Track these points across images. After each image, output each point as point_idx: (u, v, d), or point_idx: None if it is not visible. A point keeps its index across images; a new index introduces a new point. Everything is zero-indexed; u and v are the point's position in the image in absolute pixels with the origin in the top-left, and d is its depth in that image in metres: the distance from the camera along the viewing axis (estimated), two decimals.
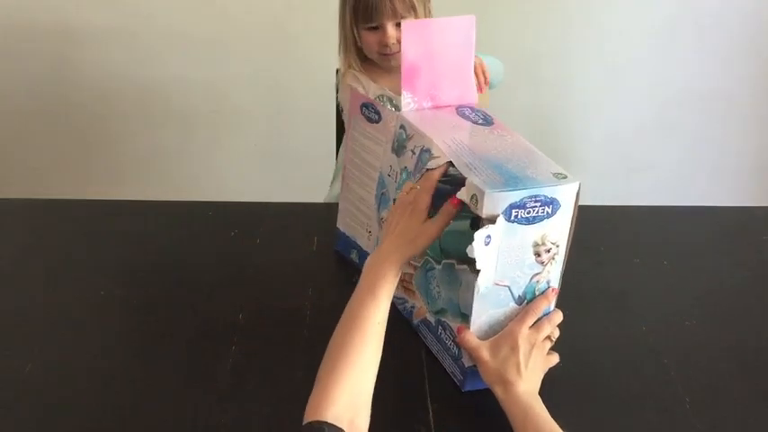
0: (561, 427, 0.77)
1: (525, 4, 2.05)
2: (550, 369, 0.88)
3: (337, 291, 1.08)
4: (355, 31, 1.36)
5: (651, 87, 2.18)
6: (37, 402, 0.88)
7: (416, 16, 1.31)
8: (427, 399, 0.89)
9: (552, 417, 0.79)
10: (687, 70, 2.16)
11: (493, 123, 0.95)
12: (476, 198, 0.78)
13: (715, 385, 0.93)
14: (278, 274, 1.13)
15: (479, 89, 1.23)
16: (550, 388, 0.87)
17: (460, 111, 0.99)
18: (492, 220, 0.77)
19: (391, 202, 0.99)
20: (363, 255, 1.10)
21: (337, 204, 1.15)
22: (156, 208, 1.33)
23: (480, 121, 0.96)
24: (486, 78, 1.31)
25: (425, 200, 0.83)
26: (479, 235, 0.76)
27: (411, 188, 0.85)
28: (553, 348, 0.88)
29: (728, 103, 2.22)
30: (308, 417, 0.69)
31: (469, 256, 0.78)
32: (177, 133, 2.19)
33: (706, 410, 0.88)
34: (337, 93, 1.51)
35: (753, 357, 0.98)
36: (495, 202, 0.77)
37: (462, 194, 0.80)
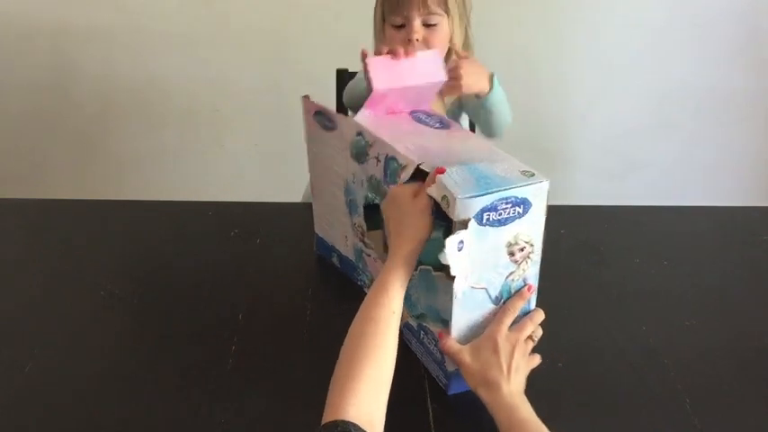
0: (551, 428, 0.76)
1: (523, 3, 2.05)
2: (551, 368, 0.88)
3: (338, 290, 1.09)
4: (381, 31, 1.27)
5: (650, 87, 2.18)
6: (37, 402, 0.88)
7: (448, 17, 1.21)
8: (427, 399, 0.89)
9: (552, 417, 0.78)
10: (685, 69, 2.16)
11: (450, 127, 0.95)
12: (447, 200, 0.77)
13: (715, 385, 0.93)
14: (278, 274, 1.13)
15: (450, 91, 1.09)
16: (550, 387, 0.87)
17: (415, 116, 0.99)
18: (464, 225, 0.77)
19: (360, 209, 0.99)
20: (344, 259, 1.09)
21: None
22: (156, 208, 1.33)
23: (437, 125, 0.95)
24: (457, 77, 1.08)
25: (407, 193, 0.83)
26: (451, 241, 0.76)
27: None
28: (550, 347, 0.88)
29: (727, 103, 2.22)
30: (328, 416, 0.67)
31: (442, 262, 0.77)
32: (177, 133, 2.19)
33: (706, 410, 0.88)
34: (339, 94, 1.45)
35: (753, 357, 0.98)
36: (466, 207, 0.76)
37: (432, 191, 0.79)
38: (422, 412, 0.87)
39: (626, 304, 1.08)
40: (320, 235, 1.15)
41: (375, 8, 1.28)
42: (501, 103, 1.20)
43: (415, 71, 0.98)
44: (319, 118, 1.02)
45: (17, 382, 0.90)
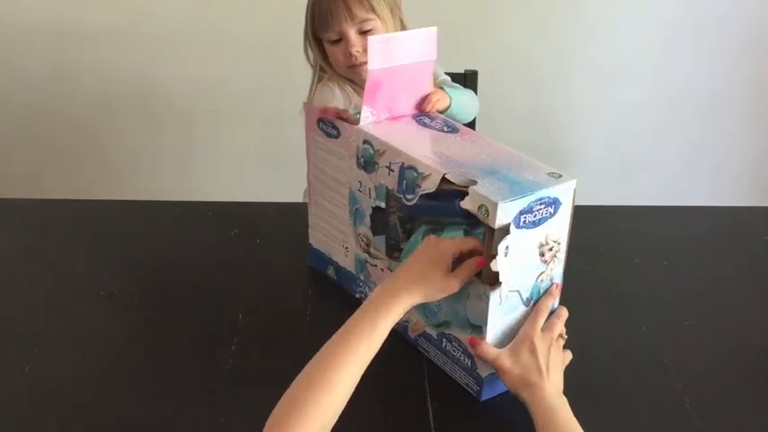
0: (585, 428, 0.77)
1: (526, 4, 2.05)
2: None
3: (338, 291, 1.09)
4: (318, 49, 1.28)
5: (651, 87, 2.18)
6: (37, 402, 0.88)
7: (380, 19, 1.22)
8: (427, 399, 0.89)
9: None
10: (687, 70, 2.16)
11: (458, 130, 0.95)
12: (485, 209, 0.77)
13: (715, 385, 0.93)
14: (278, 274, 1.13)
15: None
16: None
17: (419, 120, 0.98)
18: (506, 230, 0.77)
19: (367, 218, 0.98)
20: (341, 271, 1.08)
21: None
22: (155, 208, 1.33)
23: (445, 129, 0.95)
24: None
25: (452, 253, 0.81)
26: (501, 247, 0.77)
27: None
28: None
29: (728, 104, 2.22)
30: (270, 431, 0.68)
31: (494, 270, 0.78)
32: (177, 133, 2.19)
33: (706, 410, 0.88)
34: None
35: (752, 357, 0.98)
36: (506, 212, 0.77)
37: (467, 203, 0.79)
38: (422, 412, 0.87)
39: (626, 304, 1.08)
40: (315, 246, 1.13)
41: (305, 30, 1.27)
42: (459, 110, 1.18)
43: (409, 51, 0.96)
44: (322, 125, 1.01)
45: (17, 382, 0.90)
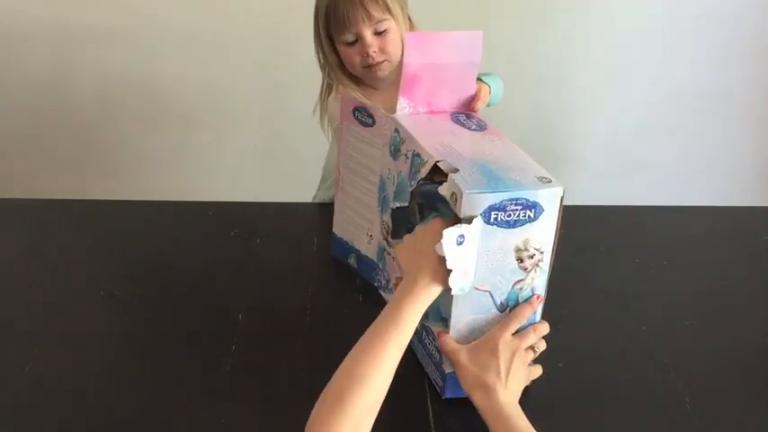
0: (551, 428, 0.76)
1: (525, 4, 2.05)
2: (552, 369, 0.88)
3: (337, 291, 1.09)
4: (332, 50, 1.26)
5: (651, 87, 2.18)
6: (37, 402, 0.88)
7: (393, 17, 1.22)
8: (427, 399, 0.89)
9: (551, 417, 0.79)
10: (687, 70, 2.16)
11: (486, 129, 0.95)
12: (455, 196, 0.77)
13: (715, 385, 0.93)
14: (278, 274, 1.13)
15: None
16: (551, 388, 0.87)
17: (455, 117, 0.99)
18: (468, 221, 0.76)
19: (390, 205, 0.98)
20: (362, 259, 1.09)
21: (333, 204, 1.14)
22: (155, 208, 1.33)
23: (474, 127, 0.96)
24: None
25: None
26: (450, 233, 0.75)
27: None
28: (550, 347, 0.88)
29: (728, 103, 2.22)
30: (314, 429, 0.69)
31: (439, 253, 0.76)
32: (177, 133, 2.19)
33: (706, 410, 0.88)
34: (322, 118, 1.36)
35: (752, 357, 0.98)
36: (473, 203, 0.76)
37: (443, 190, 0.79)
38: (422, 412, 0.87)
39: (626, 304, 1.08)
40: (339, 235, 1.14)
41: (316, 31, 1.26)
42: (495, 96, 1.24)
43: (451, 50, 0.97)
44: (358, 114, 1.02)
45: (17, 382, 0.90)
